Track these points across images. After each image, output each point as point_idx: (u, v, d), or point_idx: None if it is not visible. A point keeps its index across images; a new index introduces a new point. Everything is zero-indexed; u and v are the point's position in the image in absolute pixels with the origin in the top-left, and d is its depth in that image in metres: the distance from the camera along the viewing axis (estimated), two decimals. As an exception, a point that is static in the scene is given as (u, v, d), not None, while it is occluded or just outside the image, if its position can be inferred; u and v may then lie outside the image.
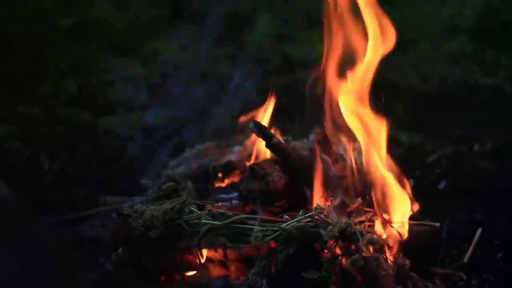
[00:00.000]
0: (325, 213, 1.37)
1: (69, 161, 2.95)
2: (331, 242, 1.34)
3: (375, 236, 1.34)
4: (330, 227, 1.30)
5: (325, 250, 1.36)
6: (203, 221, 1.38)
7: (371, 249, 1.34)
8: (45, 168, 2.82)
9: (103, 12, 4.21)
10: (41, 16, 3.98)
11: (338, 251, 1.33)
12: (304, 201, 1.56)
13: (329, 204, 1.52)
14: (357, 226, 1.34)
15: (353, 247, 1.31)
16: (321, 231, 1.30)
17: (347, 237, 1.31)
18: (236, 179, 1.72)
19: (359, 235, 1.29)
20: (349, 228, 1.30)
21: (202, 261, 1.45)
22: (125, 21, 4.31)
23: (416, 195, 2.31)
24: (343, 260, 1.33)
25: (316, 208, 1.37)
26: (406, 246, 1.51)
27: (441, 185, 2.54)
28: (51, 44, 4.03)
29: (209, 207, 1.42)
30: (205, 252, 1.46)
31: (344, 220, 1.33)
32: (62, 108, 3.70)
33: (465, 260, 1.63)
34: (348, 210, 1.51)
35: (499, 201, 2.28)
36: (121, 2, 4.43)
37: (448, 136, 3.48)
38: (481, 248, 1.72)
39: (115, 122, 3.52)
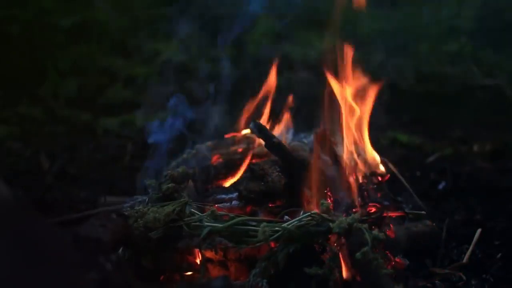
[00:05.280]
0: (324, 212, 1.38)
1: (69, 161, 2.95)
2: (333, 238, 1.34)
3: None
4: (341, 218, 1.31)
5: (326, 248, 1.36)
6: (205, 223, 1.38)
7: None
8: (45, 168, 2.82)
9: (103, 12, 4.21)
10: (41, 17, 3.99)
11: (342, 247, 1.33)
12: (304, 201, 1.56)
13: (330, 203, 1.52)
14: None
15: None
16: (330, 224, 1.31)
17: (352, 233, 1.31)
18: (236, 179, 1.71)
19: (365, 231, 1.30)
20: (355, 224, 1.30)
21: (202, 261, 1.45)
22: (125, 21, 4.31)
23: (416, 195, 2.31)
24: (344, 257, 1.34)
25: (322, 204, 1.37)
26: (406, 247, 1.52)
27: (441, 186, 2.54)
28: (51, 44, 4.03)
29: (212, 208, 1.42)
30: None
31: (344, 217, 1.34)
32: (62, 108, 3.70)
33: (465, 260, 1.63)
34: (347, 209, 1.52)
35: (499, 201, 2.28)
36: (121, 2, 4.43)
37: (448, 136, 3.49)
38: (480, 249, 1.72)
39: (115, 122, 3.52)
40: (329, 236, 1.37)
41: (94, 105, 3.72)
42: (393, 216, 1.59)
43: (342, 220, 1.31)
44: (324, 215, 1.36)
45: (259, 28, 4.29)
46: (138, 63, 4.08)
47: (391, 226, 1.51)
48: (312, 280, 1.30)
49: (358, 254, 1.25)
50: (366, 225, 1.33)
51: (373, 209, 1.52)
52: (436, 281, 1.51)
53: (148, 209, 1.44)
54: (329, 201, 1.52)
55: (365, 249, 1.25)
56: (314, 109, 1.77)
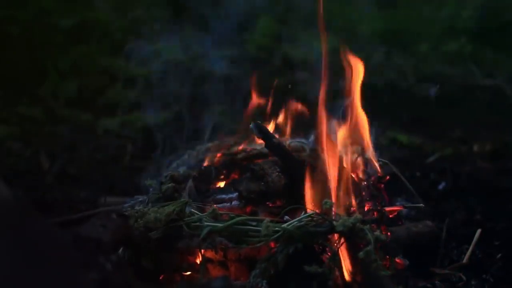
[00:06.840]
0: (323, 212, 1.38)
1: (69, 161, 2.95)
2: (334, 239, 1.34)
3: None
4: (344, 218, 1.31)
5: (326, 249, 1.36)
6: (205, 223, 1.38)
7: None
8: (45, 168, 2.82)
9: (103, 13, 4.21)
10: (41, 17, 3.99)
11: (342, 248, 1.33)
12: (304, 202, 1.56)
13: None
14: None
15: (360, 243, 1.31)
16: (334, 222, 1.31)
17: (354, 233, 1.31)
18: (237, 179, 1.71)
19: (367, 231, 1.30)
20: (357, 224, 1.31)
21: (202, 261, 1.45)
22: (125, 21, 4.31)
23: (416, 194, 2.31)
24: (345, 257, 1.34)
25: (325, 203, 1.37)
26: (406, 247, 1.52)
27: (441, 186, 2.54)
28: (51, 44, 4.03)
29: (213, 207, 1.43)
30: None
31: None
32: (62, 108, 3.70)
33: (465, 260, 1.63)
34: (346, 208, 1.52)
35: (499, 201, 2.28)
36: (121, 3, 4.43)
37: (448, 136, 3.49)
38: (480, 249, 1.72)
39: (115, 122, 3.52)
40: (329, 236, 1.37)
41: (94, 105, 3.72)
42: (392, 216, 1.59)
43: (346, 219, 1.31)
44: (325, 215, 1.37)
45: (260, 28, 4.29)
46: (138, 63, 4.08)
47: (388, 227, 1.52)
48: (312, 281, 1.30)
49: (361, 254, 1.25)
50: (368, 226, 1.33)
51: (373, 209, 1.52)
52: (436, 281, 1.51)
53: (148, 209, 1.44)
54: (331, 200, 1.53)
55: (368, 248, 1.25)
56: (314, 109, 1.77)
